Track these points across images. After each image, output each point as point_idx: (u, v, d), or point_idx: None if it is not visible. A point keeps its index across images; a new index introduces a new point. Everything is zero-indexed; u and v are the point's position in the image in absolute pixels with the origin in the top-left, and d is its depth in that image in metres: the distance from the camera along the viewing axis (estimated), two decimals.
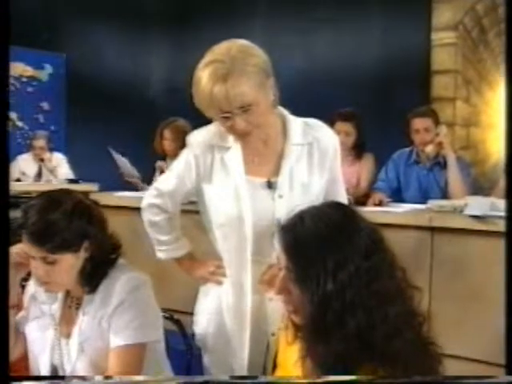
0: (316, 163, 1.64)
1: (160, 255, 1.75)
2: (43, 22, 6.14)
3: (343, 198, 1.71)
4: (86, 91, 6.26)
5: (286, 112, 1.68)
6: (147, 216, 1.72)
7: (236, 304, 1.63)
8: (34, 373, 1.53)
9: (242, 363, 1.62)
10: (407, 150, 3.37)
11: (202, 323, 1.72)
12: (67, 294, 1.54)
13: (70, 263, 1.44)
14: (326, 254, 1.14)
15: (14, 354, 1.56)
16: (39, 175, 5.41)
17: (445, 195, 3.12)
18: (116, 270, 1.50)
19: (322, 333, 1.14)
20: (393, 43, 5.07)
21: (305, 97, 5.63)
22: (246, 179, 1.60)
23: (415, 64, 4.92)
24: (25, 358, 1.58)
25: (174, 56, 6.75)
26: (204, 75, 1.47)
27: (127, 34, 6.76)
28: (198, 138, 1.66)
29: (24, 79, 6.25)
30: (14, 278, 1.51)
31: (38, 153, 5.39)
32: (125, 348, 1.44)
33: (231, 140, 1.62)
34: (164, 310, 1.67)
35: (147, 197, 1.73)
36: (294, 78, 5.80)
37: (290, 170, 1.62)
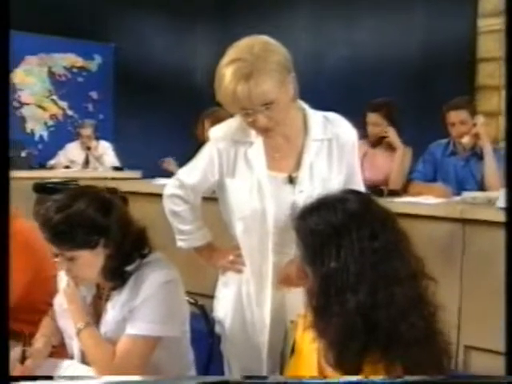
0: (335, 159, 1.66)
1: (180, 244, 1.80)
2: (93, 13, 6.31)
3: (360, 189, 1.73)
4: (134, 81, 6.42)
5: (306, 106, 1.70)
6: (169, 205, 1.78)
7: (256, 293, 1.68)
8: (69, 357, 1.62)
9: (261, 349, 1.68)
10: (444, 140, 3.33)
11: (222, 311, 1.77)
12: (98, 286, 1.61)
13: (89, 259, 1.49)
14: (335, 238, 1.19)
15: (55, 340, 1.66)
16: (86, 163, 5.60)
17: (481, 187, 3.08)
18: (147, 265, 1.55)
19: (325, 308, 1.19)
20: (437, 30, 4.97)
21: (347, 85, 5.63)
22: (267, 174, 1.64)
23: (460, 51, 4.81)
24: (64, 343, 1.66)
25: (219, 46, 6.81)
26: (227, 73, 1.50)
27: (174, 24, 6.87)
28: (220, 132, 1.71)
29: (75, 70, 6.47)
30: None
31: (84, 141, 5.58)
32: (133, 337, 1.49)
33: (253, 135, 1.65)
34: (195, 294, 1.72)
35: (170, 187, 1.79)
36: (337, 66, 5.80)
37: (310, 165, 1.65)
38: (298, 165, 1.65)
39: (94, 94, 6.55)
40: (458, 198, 2.89)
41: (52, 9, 5.92)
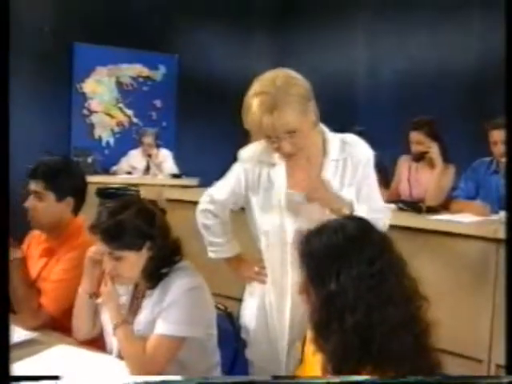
0: (348, 174, 1.79)
1: (211, 254, 1.98)
2: (158, 26, 6.61)
3: (376, 202, 1.84)
4: (196, 90, 6.68)
5: (326, 130, 1.84)
6: (201, 219, 1.96)
7: (277, 302, 1.83)
8: (108, 349, 1.80)
9: (280, 353, 1.82)
10: (488, 159, 3.35)
11: (247, 318, 1.93)
12: (136, 287, 1.80)
13: (134, 260, 1.69)
14: (335, 261, 1.31)
15: (93, 333, 1.85)
16: (147, 169, 5.89)
17: None
18: (176, 271, 1.72)
19: (325, 326, 1.31)
20: (492, 45, 4.93)
21: (402, 99, 5.66)
22: (288, 193, 1.79)
23: None
24: (102, 336, 1.85)
25: (278, 56, 7.00)
26: (253, 104, 1.67)
27: (235, 35, 7.09)
28: (248, 153, 1.88)
29: (140, 79, 6.78)
30: (92, 271, 1.80)
31: (146, 149, 5.86)
32: (160, 337, 1.65)
33: (277, 157, 1.81)
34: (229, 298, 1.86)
35: (202, 202, 1.97)
36: (393, 79, 5.84)
37: None
38: None
39: (157, 103, 6.83)
40: (495, 217, 2.92)
41: (120, 22, 6.26)
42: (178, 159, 6.09)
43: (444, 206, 3.37)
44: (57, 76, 6.07)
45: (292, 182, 1.80)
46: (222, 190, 1.93)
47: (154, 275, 1.72)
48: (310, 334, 1.46)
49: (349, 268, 1.29)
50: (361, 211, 1.70)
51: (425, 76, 5.43)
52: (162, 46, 6.68)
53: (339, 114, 5.82)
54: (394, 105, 5.60)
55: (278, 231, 1.77)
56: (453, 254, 2.81)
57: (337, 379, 1.30)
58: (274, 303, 1.83)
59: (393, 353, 1.27)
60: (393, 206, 3.20)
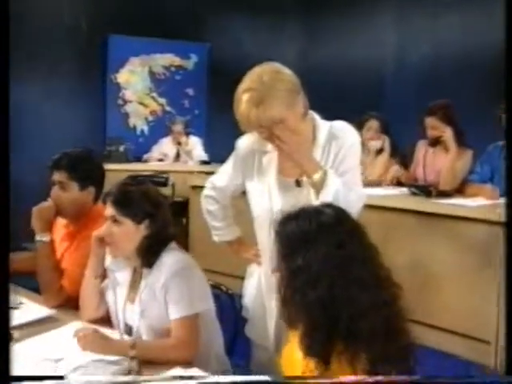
0: (331, 158, 1.87)
1: (214, 238, 2.13)
2: (190, 15, 6.75)
3: (355, 186, 1.88)
4: (227, 78, 6.77)
5: (317, 117, 1.93)
6: (204, 205, 2.10)
7: (268, 282, 1.94)
8: (116, 328, 1.92)
9: (270, 331, 1.95)
10: (501, 143, 3.36)
11: (246, 298, 2.07)
12: (135, 270, 1.95)
13: (131, 230, 1.85)
14: (306, 244, 1.42)
15: (99, 313, 1.99)
16: (177, 156, 6.08)
17: None
18: (168, 251, 1.88)
19: (289, 301, 1.43)
20: None
21: (430, 81, 5.64)
22: (279, 179, 1.91)
23: None
24: (108, 318, 1.99)
25: (307, 43, 7.05)
26: (242, 100, 1.77)
27: (264, 23, 7.17)
28: (243, 143, 2.00)
29: (173, 69, 6.94)
30: (98, 252, 1.97)
31: (176, 137, 6.05)
32: (179, 320, 1.80)
33: (269, 146, 1.92)
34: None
35: (205, 189, 2.11)
36: (420, 63, 5.82)
37: None
38: None
39: (190, 91, 6.98)
40: (502, 201, 2.95)
41: (152, 13, 6.43)
42: (209, 146, 6.25)
43: (459, 190, 3.42)
44: (92, 68, 6.30)
45: (283, 168, 1.92)
46: (221, 177, 2.06)
47: (149, 253, 1.87)
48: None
49: (316, 248, 1.40)
50: (334, 183, 1.75)
51: (451, 59, 5.40)
52: (193, 36, 6.81)
53: (366, 97, 5.88)
54: (420, 88, 5.59)
55: (268, 215, 1.87)
56: (460, 237, 2.87)
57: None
58: (265, 283, 1.96)
59: (362, 333, 1.36)
60: (405, 189, 3.26)
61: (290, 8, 7.08)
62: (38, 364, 1.63)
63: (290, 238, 1.45)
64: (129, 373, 1.59)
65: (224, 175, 2.06)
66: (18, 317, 1.95)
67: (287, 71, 1.83)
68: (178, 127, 6.00)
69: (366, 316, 1.38)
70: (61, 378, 1.39)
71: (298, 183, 1.90)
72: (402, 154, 3.96)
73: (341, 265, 1.40)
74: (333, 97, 6.15)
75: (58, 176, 2.24)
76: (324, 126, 1.91)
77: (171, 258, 1.86)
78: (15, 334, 1.79)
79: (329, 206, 1.54)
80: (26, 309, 2.05)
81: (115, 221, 1.86)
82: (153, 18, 6.39)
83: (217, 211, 2.09)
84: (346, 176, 1.86)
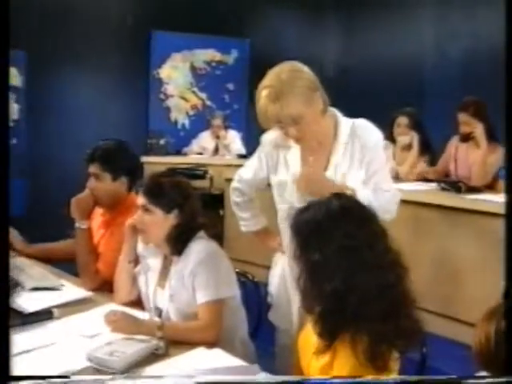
0: (356, 157, 1.97)
1: (242, 228, 2.25)
2: (230, 10, 6.87)
3: (383, 183, 2.00)
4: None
5: (338, 114, 2.03)
6: (232, 197, 2.22)
7: (290, 269, 2.03)
8: (147, 311, 2.06)
9: (292, 316, 2.05)
10: None
11: (271, 285, 2.18)
12: (165, 257, 2.08)
13: (160, 219, 1.98)
14: (318, 236, 1.52)
15: (132, 296, 2.13)
16: (216, 150, 6.23)
17: None
18: (196, 240, 2.00)
19: (308, 293, 1.53)
20: None
21: (469, 75, 5.60)
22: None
23: None
24: (140, 301, 2.13)
25: (347, 38, 7.08)
26: (261, 97, 1.89)
27: (304, 18, 7.23)
28: (267, 138, 2.10)
29: (213, 64, 7.07)
30: (132, 238, 2.11)
31: (215, 130, 6.20)
32: (205, 304, 1.92)
33: (292, 141, 2.02)
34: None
35: (233, 182, 2.23)
36: (459, 57, 5.78)
37: (335, 165, 1.98)
38: (327, 164, 1.99)
39: (230, 86, 7.09)
40: None
41: (193, 9, 6.57)
42: (248, 140, 6.36)
43: (491, 186, 3.44)
44: (136, 63, 6.50)
45: (305, 162, 2.01)
46: (247, 170, 2.18)
47: (178, 242, 1.99)
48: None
49: (329, 242, 1.49)
50: (364, 198, 1.81)
51: (491, 53, 5.35)
52: (234, 31, 6.92)
53: (405, 93, 5.88)
54: (459, 83, 5.56)
55: (290, 207, 1.97)
56: (487, 232, 2.90)
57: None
58: (288, 271, 2.06)
59: (365, 315, 1.46)
60: (433, 185, 3.30)
61: (330, 2, 7.13)
62: (75, 339, 1.78)
63: (303, 229, 1.54)
64: (156, 351, 1.72)
65: (250, 169, 2.17)
66: (59, 297, 2.12)
67: (305, 69, 1.92)
68: (218, 121, 6.14)
69: (370, 298, 1.46)
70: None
71: None
72: (434, 151, 3.98)
73: (352, 254, 1.49)
74: (371, 92, 6.19)
75: (92, 168, 2.39)
76: (346, 123, 2.00)
77: (199, 246, 1.98)
78: (56, 312, 1.96)
79: (338, 196, 1.62)
80: (66, 290, 2.22)
81: (146, 210, 1.99)
82: (194, 15, 6.54)
83: (243, 203, 2.21)
84: (376, 176, 1.96)
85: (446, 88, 5.72)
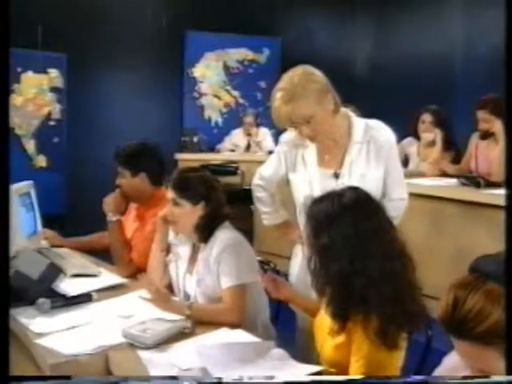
0: (372, 157, 2.12)
1: (264, 222, 2.42)
2: (262, 10, 7.02)
3: (399, 184, 2.16)
4: None
5: (352, 114, 2.17)
6: (254, 193, 2.39)
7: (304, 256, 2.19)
8: (177, 296, 2.25)
9: None
10: None
11: (292, 275, 2.34)
12: (194, 245, 2.26)
13: (188, 211, 2.16)
14: (329, 224, 1.66)
15: (163, 282, 2.30)
16: (248, 147, 6.40)
17: None
18: (221, 229, 2.18)
19: (317, 273, 1.68)
20: None
21: (500, 72, 5.61)
22: (318, 171, 2.16)
23: None
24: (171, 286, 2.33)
25: (377, 37, 7.16)
26: (276, 99, 2.05)
27: (335, 17, 7.34)
28: (286, 137, 2.26)
29: (246, 62, 7.24)
30: (163, 229, 2.30)
31: (247, 128, 6.38)
32: (228, 289, 2.08)
33: (308, 140, 2.17)
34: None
35: (254, 178, 2.39)
36: (489, 54, 5.80)
37: (350, 164, 2.13)
38: (342, 163, 2.14)
39: (262, 84, 7.21)
40: None
41: (226, 9, 6.75)
42: (277, 137, 6.50)
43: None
44: (171, 62, 6.72)
45: (322, 161, 2.17)
46: (267, 167, 2.34)
47: (205, 231, 2.17)
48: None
49: (339, 229, 1.64)
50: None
51: None
52: (266, 30, 7.07)
53: (435, 90, 5.94)
54: (488, 81, 5.59)
55: (306, 202, 2.13)
56: (497, 225, 2.99)
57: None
58: (305, 261, 2.22)
59: (373, 298, 1.60)
60: (452, 180, 3.40)
61: (361, 1, 7.22)
62: (111, 319, 1.98)
63: (316, 218, 1.70)
64: (183, 330, 1.90)
65: (270, 166, 2.33)
66: (97, 283, 2.33)
67: (317, 72, 2.08)
68: (249, 119, 6.33)
69: (377, 283, 1.60)
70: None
71: (336, 175, 2.15)
72: (459, 149, 4.06)
73: (359, 241, 1.63)
74: (400, 89, 6.26)
75: (117, 166, 2.63)
76: (359, 124, 2.14)
77: (223, 235, 2.15)
78: (94, 295, 2.17)
79: (350, 189, 1.76)
80: (104, 277, 2.42)
81: (175, 203, 2.18)
82: (227, 15, 6.72)
83: (265, 198, 2.37)
84: (391, 175, 2.11)
85: (475, 86, 5.75)
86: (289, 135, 2.25)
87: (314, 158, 2.18)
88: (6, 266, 1.29)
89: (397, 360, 1.65)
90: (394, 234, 1.71)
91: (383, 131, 2.15)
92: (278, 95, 2.04)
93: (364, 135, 2.12)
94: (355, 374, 1.58)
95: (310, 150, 2.19)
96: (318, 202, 1.74)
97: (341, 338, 1.68)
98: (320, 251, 1.67)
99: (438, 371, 1.32)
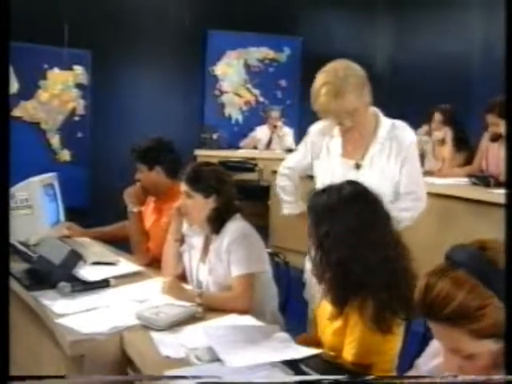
0: (393, 154, 2.22)
1: (284, 211, 2.53)
2: (283, 10, 7.11)
3: (416, 182, 2.26)
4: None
5: (380, 114, 2.28)
6: (278, 181, 2.52)
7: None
8: (190, 284, 2.37)
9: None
10: None
11: (306, 267, 2.42)
12: (206, 236, 2.36)
13: (201, 203, 2.27)
14: (330, 215, 1.76)
15: (177, 271, 2.42)
16: (269, 143, 6.51)
17: None
18: (232, 221, 2.28)
19: (319, 260, 1.77)
20: None
21: None
22: (341, 161, 2.27)
23: None
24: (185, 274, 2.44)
25: (397, 36, 7.20)
26: (321, 94, 2.14)
27: (355, 17, 7.40)
28: (315, 128, 2.38)
29: (266, 61, 7.33)
30: (178, 220, 2.42)
31: (273, 121, 6.53)
32: (238, 277, 2.18)
33: (336, 131, 2.29)
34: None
35: (280, 167, 2.51)
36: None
37: (371, 157, 2.23)
38: (364, 155, 2.25)
39: (282, 83, 7.32)
40: None
41: (247, 8, 6.85)
42: (300, 135, 6.59)
43: None
44: (192, 61, 6.86)
45: (346, 152, 2.27)
46: (294, 157, 2.48)
47: (216, 222, 2.27)
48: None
49: (338, 220, 1.74)
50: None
51: None
52: (286, 30, 7.16)
53: (455, 90, 5.98)
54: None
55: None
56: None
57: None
58: None
59: (370, 284, 1.69)
60: (462, 179, 3.46)
61: (381, 2, 7.26)
62: (127, 303, 2.11)
63: (317, 209, 1.80)
64: (194, 315, 2.01)
65: (296, 156, 2.47)
66: (115, 270, 2.46)
67: (357, 66, 2.19)
68: (276, 113, 6.51)
69: (374, 270, 1.70)
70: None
71: (358, 166, 2.25)
72: (472, 148, 4.11)
73: (358, 231, 1.73)
74: (419, 89, 6.30)
75: (134, 161, 2.77)
76: (386, 124, 2.25)
77: (234, 226, 2.26)
78: (112, 281, 2.30)
79: (349, 183, 1.85)
80: (121, 265, 2.55)
81: (188, 196, 2.29)
82: (248, 14, 6.82)
83: (288, 187, 2.49)
84: (410, 176, 2.20)
85: (492, 87, 5.77)
86: (318, 125, 2.36)
87: (339, 148, 2.28)
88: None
89: (392, 345, 1.74)
90: (390, 225, 1.80)
91: (406, 132, 2.26)
92: (323, 91, 2.13)
93: (388, 133, 2.23)
94: (347, 356, 1.67)
95: (336, 140, 2.30)
96: (318, 194, 1.84)
97: (339, 323, 1.77)
98: (320, 240, 1.77)
99: (423, 356, 1.41)
